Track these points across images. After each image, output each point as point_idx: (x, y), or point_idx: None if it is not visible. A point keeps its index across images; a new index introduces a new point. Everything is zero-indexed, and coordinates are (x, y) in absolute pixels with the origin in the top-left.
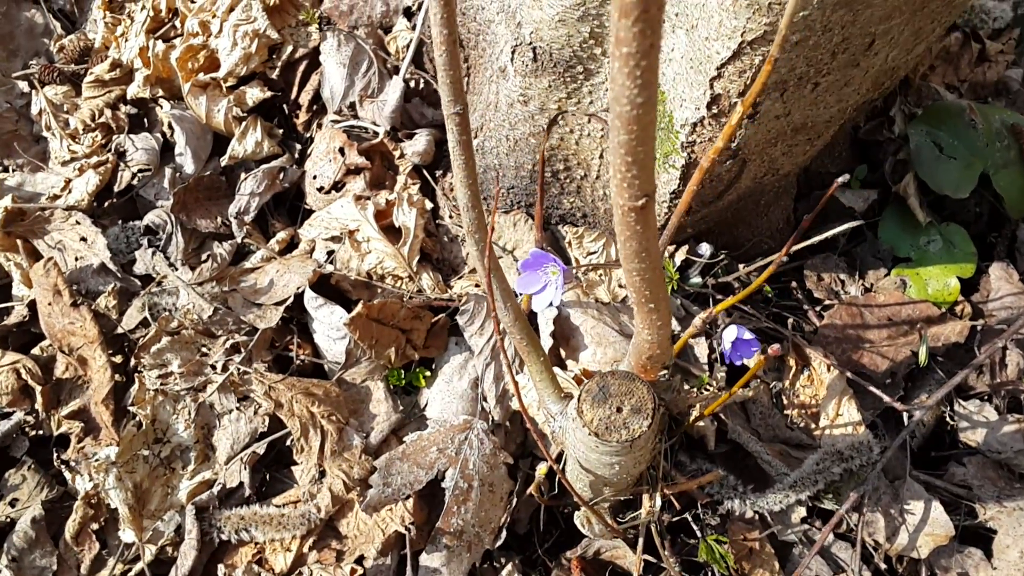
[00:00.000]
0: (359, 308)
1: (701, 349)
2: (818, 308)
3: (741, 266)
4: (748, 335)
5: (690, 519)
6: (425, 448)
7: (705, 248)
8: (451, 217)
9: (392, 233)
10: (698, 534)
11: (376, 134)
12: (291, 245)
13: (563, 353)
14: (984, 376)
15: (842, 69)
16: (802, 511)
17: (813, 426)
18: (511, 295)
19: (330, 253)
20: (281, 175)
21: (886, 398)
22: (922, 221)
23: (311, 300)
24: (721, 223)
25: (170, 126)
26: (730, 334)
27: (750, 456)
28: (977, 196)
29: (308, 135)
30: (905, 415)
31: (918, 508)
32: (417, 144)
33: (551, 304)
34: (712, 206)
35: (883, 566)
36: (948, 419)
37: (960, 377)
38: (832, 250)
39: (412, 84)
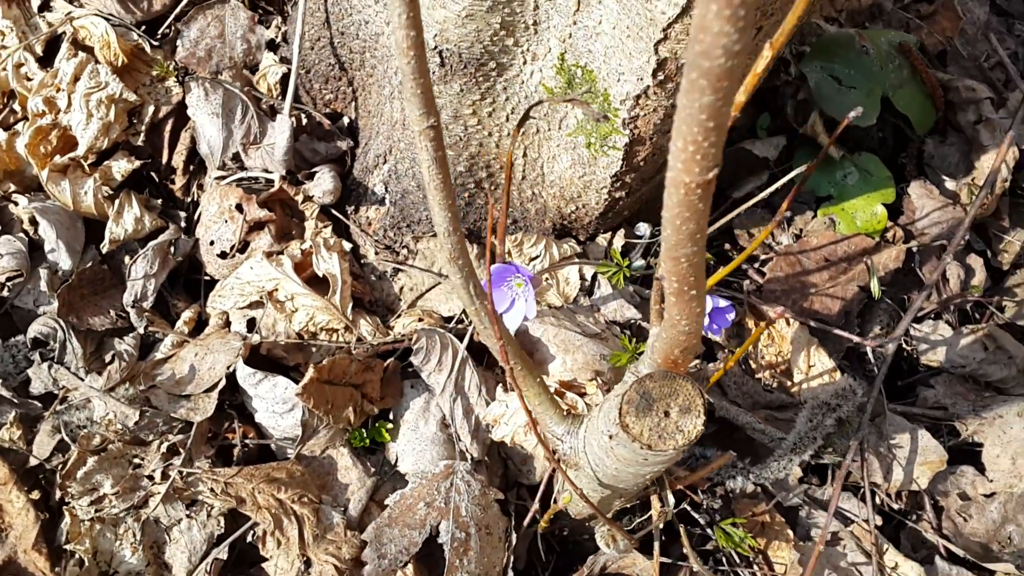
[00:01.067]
0: (310, 373)
1: None
2: (756, 265)
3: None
4: (723, 302)
5: (689, 508)
6: (411, 506)
7: (644, 228)
8: (376, 253)
9: (317, 284)
10: (700, 521)
11: (271, 182)
12: (199, 323)
13: None
14: (932, 295)
15: (783, 9)
16: (798, 472)
17: (789, 383)
18: (497, 318)
19: (250, 322)
20: (172, 249)
21: (854, 338)
22: (835, 156)
23: (248, 377)
24: (651, 200)
25: (33, 221)
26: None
27: (737, 430)
28: (879, 121)
29: (189, 199)
30: (870, 350)
31: (905, 440)
32: (322, 183)
33: (525, 318)
34: (651, 182)
35: (888, 507)
36: (905, 345)
37: (920, 301)
38: (754, 206)
39: (294, 121)
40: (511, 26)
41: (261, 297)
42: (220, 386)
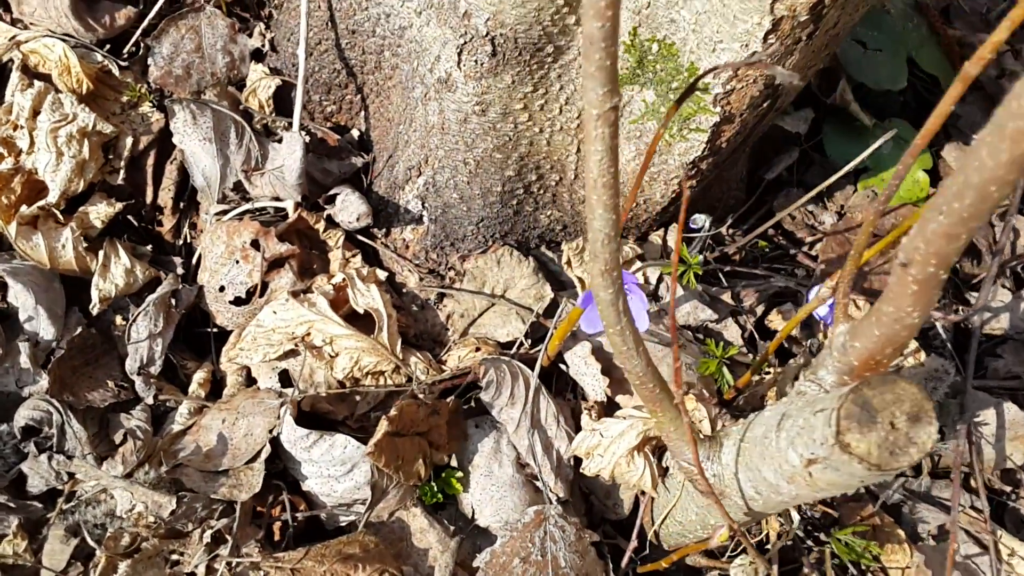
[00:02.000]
0: (383, 427)
1: (731, 331)
2: (804, 248)
3: (723, 229)
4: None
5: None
6: (506, 565)
7: (701, 219)
8: (421, 279)
9: (355, 323)
10: (799, 533)
11: (283, 211)
12: (214, 384)
13: (608, 391)
14: (982, 261)
15: None
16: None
17: None
18: (639, 339)
19: (282, 374)
20: (174, 302)
21: (937, 315)
22: (868, 124)
23: (300, 440)
24: (705, 188)
25: (3, 287)
26: (826, 293)
27: None
28: None
29: (181, 242)
30: (939, 326)
31: (990, 416)
32: (350, 206)
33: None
34: (720, 167)
35: (988, 488)
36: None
37: (995, 266)
38: (788, 185)
39: (306, 138)
40: (573, 1)
41: (296, 345)
42: (264, 454)
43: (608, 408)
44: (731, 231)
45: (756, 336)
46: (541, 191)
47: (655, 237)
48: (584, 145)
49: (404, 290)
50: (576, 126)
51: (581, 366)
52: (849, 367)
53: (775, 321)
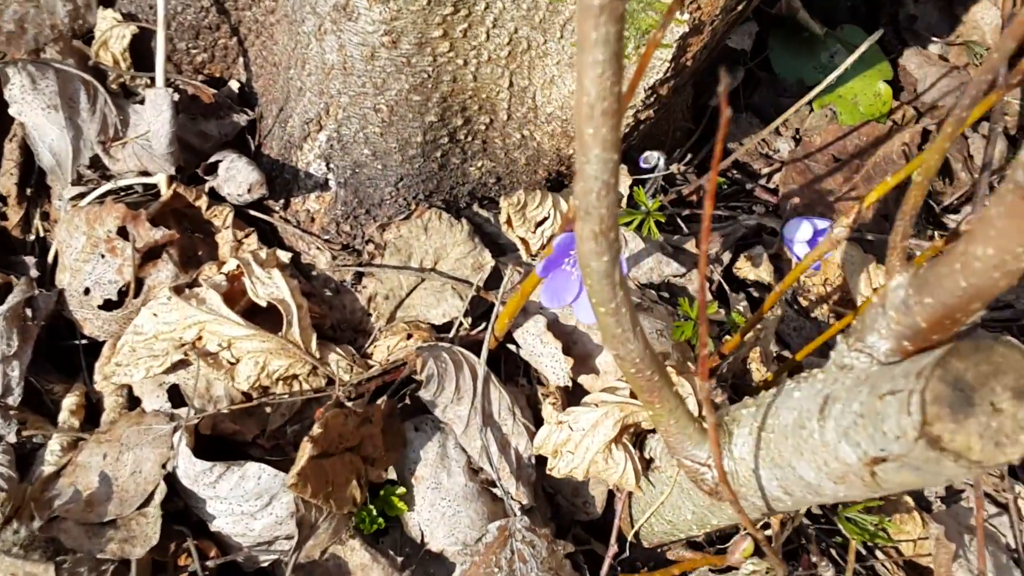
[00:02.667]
0: (306, 451)
1: (696, 285)
2: (762, 181)
3: (675, 167)
4: (822, 223)
5: None
6: None
7: (655, 157)
8: (334, 257)
9: (259, 319)
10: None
11: (153, 188)
12: (90, 409)
13: (571, 374)
14: (955, 180)
15: None
16: None
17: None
18: (636, 318)
19: (172, 391)
20: (29, 312)
21: (915, 243)
22: (820, 33)
23: (202, 474)
24: (659, 120)
25: None
26: (804, 231)
27: None
28: None
29: (33, 237)
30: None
31: None
32: (237, 175)
33: None
34: (679, 92)
35: None
36: (939, 239)
37: (985, 183)
38: (736, 111)
39: (174, 95)
40: None
41: (185, 353)
42: (159, 496)
43: (572, 393)
44: (682, 168)
45: (726, 287)
46: (469, 138)
47: None
48: (578, 55)
49: (313, 273)
50: (507, 54)
51: (536, 345)
52: (914, 330)
53: (744, 268)
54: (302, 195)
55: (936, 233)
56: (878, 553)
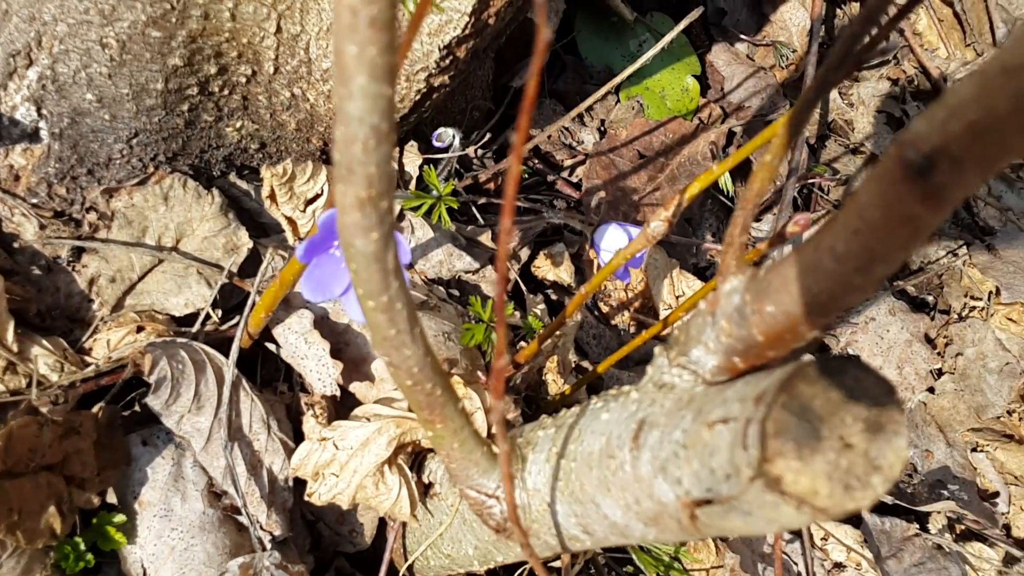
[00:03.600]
0: None
1: (490, 282)
2: (564, 173)
3: (471, 149)
4: (636, 230)
5: None
6: None
7: (449, 134)
8: (41, 227)
9: None
10: None
11: None
12: None
13: (340, 380)
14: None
15: None
16: None
17: (659, 325)
18: (415, 316)
19: None
20: None
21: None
22: (630, 19)
23: None
24: (454, 91)
25: None
26: (616, 238)
27: None
28: None
29: None
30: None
31: None
32: None
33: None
34: (481, 58)
35: None
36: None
37: (791, 192)
38: (539, 96)
39: None
40: None
41: None
42: None
43: (341, 403)
44: (480, 151)
45: (523, 287)
46: (226, 91)
47: None
48: None
49: (16, 244)
50: None
51: (300, 346)
52: (747, 344)
53: (543, 267)
54: (4, 146)
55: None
56: None
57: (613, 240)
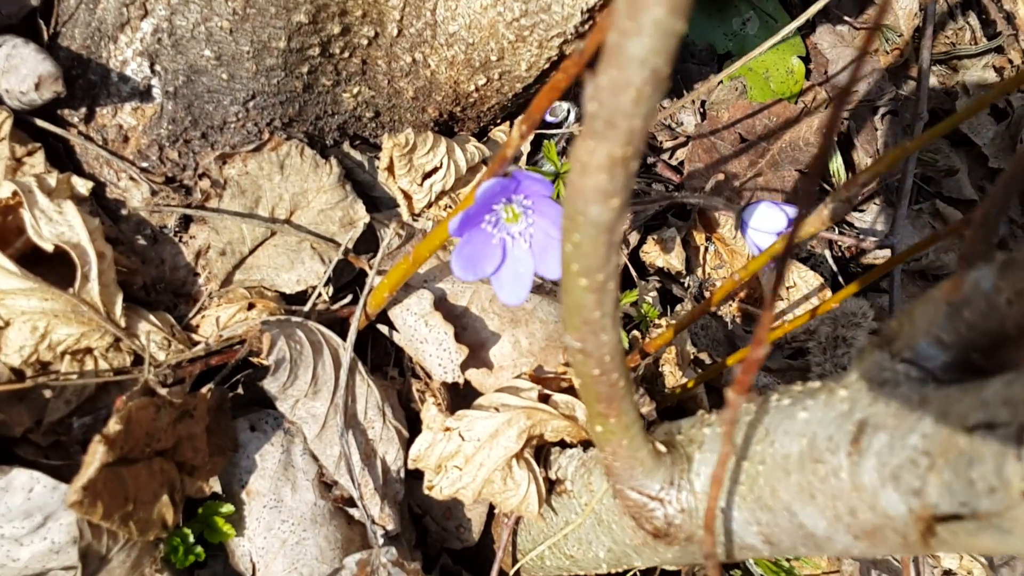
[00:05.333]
0: (97, 453)
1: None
2: (665, 156)
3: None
4: (793, 210)
5: None
6: None
7: (563, 108)
8: (154, 193)
9: (42, 268)
10: None
11: None
12: None
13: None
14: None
15: None
16: None
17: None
18: (619, 302)
19: None
20: None
21: (845, 240)
22: None
23: None
24: None
25: None
26: (772, 218)
27: None
28: None
29: None
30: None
31: None
32: (22, 67)
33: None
34: None
35: None
36: (841, 237)
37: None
38: None
39: None
40: None
41: None
42: None
43: (459, 392)
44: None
45: (633, 272)
46: (346, 54)
47: (498, 134)
48: None
49: (123, 212)
50: None
51: (419, 328)
52: (992, 338)
53: (652, 252)
54: (113, 104)
55: (838, 230)
56: None
57: (766, 219)
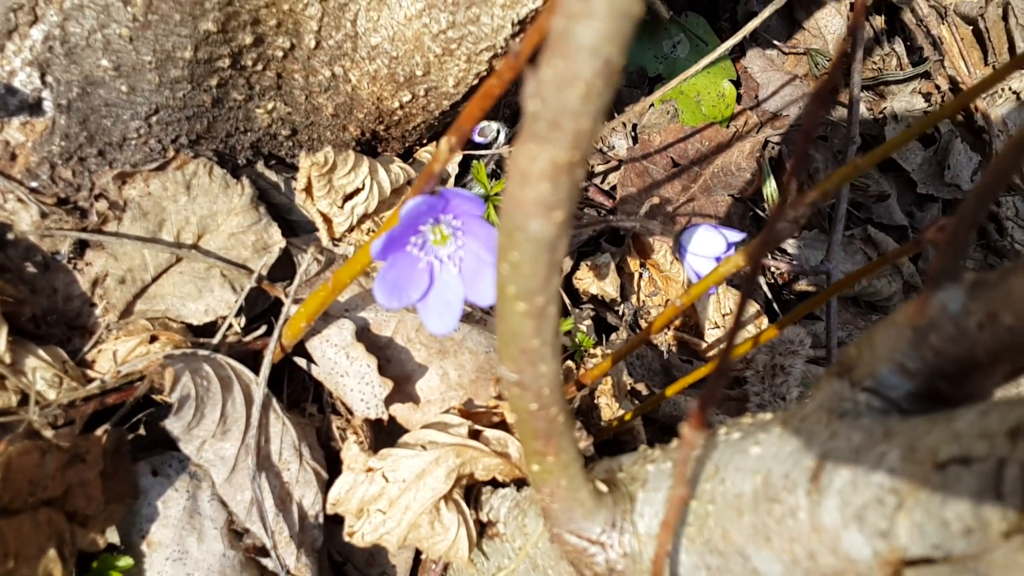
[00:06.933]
0: None
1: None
2: (597, 180)
3: (507, 148)
4: (734, 234)
5: None
6: None
7: (493, 128)
8: (43, 215)
9: None
10: None
11: None
12: None
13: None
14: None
15: None
16: None
17: (703, 345)
18: (558, 330)
19: None
20: None
21: (781, 265)
22: (665, 17)
23: None
24: None
25: None
26: (711, 243)
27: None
28: None
29: None
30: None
31: None
32: None
33: (477, 304)
34: None
35: None
36: (773, 264)
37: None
38: None
39: None
40: None
41: None
42: None
43: (383, 429)
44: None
45: (566, 299)
46: (259, 66)
47: (424, 155)
48: None
49: (10, 237)
50: None
51: (340, 361)
52: (961, 365)
53: (586, 279)
54: (0, 120)
55: (771, 256)
56: None
57: (704, 243)
